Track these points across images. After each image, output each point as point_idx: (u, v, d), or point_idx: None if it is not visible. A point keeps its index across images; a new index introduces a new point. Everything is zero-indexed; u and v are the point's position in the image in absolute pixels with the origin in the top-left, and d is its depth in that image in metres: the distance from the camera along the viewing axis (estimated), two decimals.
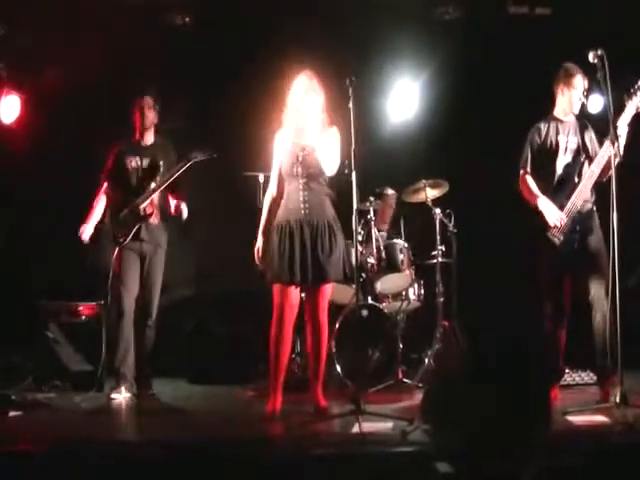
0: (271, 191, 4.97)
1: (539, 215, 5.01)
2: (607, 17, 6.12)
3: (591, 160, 4.99)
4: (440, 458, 3.46)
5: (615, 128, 4.63)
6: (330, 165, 4.71)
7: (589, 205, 5.02)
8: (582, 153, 5.06)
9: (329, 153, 4.70)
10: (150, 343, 5.74)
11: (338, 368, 5.71)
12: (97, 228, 5.88)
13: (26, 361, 6.08)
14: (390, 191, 6.68)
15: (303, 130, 4.81)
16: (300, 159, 4.76)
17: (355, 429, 4.06)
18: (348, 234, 4.98)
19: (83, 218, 5.84)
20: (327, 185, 4.86)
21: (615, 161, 4.57)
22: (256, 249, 4.89)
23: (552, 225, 4.94)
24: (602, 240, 4.91)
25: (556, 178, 5.06)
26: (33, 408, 5.22)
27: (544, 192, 5.05)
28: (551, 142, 5.08)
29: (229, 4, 6.67)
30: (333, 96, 4.90)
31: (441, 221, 6.19)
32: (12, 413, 4.92)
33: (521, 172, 5.16)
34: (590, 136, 5.11)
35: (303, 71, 4.84)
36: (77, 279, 6.55)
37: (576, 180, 5.01)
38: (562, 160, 5.06)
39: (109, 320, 5.92)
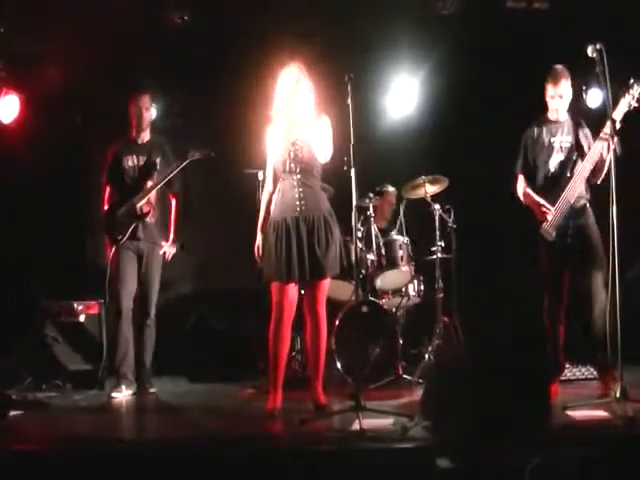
0: (267, 188, 4.91)
1: (532, 213, 5.03)
2: (606, 10, 6.10)
3: (584, 157, 4.98)
4: (440, 454, 3.47)
5: (614, 122, 4.62)
6: (324, 153, 4.66)
7: (583, 201, 5.02)
8: (575, 151, 5.05)
9: (322, 141, 4.65)
10: (150, 342, 5.75)
11: (338, 364, 5.71)
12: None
13: (26, 361, 6.07)
14: (390, 188, 6.69)
15: (294, 123, 4.74)
16: (292, 155, 4.68)
17: (355, 425, 4.04)
18: (348, 230, 4.97)
19: (82, 217, 5.83)
20: (321, 179, 4.83)
21: (612, 157, 4.55)
22: (256, 247, 4.87)
23: (542, 220, 4.95)
24: (598, 234, 4.91)
25: (549, 176, 5.06)
26: (33, 408, 5.22)
27: (539, 190, 5.05)
28: (543, 143, 5.08)
29: (227, 1, 6.66)
30: (332, 92, 4.89)
31: (440, 217, 6.19)
32: (12, 413, 4.89)
33: (515, 175, 5.19)
34: (585, 133, 5.09)
35: (291, 63, 4.77)
36: (76, 278, 6.55)
37: (568, 176, 5.01)
38: (556, 158, 5.06)
39: (108, 319, 5.92)
